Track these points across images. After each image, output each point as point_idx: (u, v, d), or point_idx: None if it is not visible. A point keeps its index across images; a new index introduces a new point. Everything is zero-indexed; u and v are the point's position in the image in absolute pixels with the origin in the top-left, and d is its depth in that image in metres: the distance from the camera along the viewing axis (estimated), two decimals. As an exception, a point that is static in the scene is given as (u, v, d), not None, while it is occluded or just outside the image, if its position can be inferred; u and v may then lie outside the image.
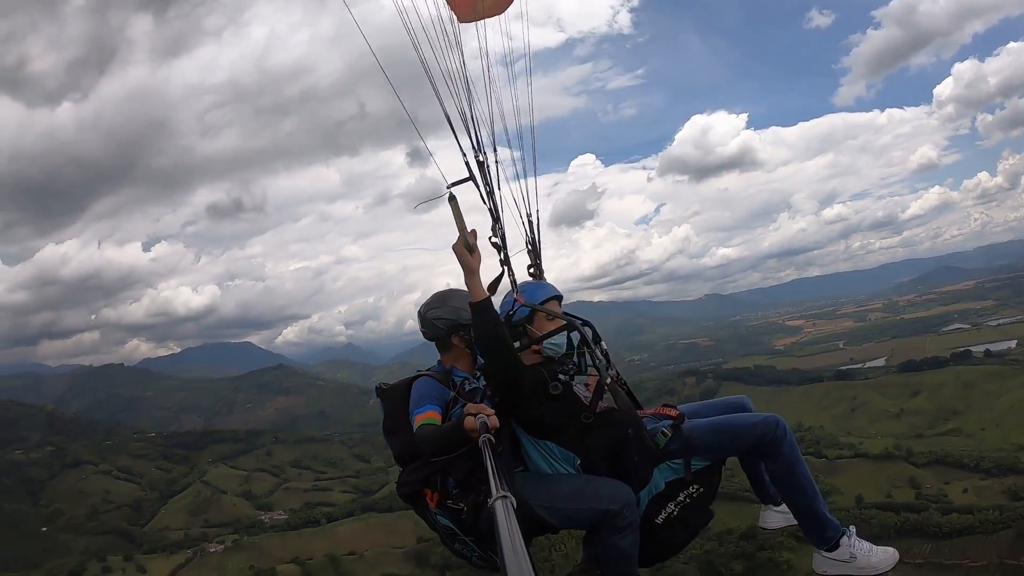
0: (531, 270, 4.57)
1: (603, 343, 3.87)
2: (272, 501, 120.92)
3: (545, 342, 3.71)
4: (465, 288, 3.45)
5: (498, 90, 4.29)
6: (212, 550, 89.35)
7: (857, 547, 3.52)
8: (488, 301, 3.34)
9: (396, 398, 3.69)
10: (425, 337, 3.91)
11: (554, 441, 3.59)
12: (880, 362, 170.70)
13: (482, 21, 4.38)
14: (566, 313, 3.84)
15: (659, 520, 3.57)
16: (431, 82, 3.84)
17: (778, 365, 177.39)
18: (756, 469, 3.97)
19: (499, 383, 3.49)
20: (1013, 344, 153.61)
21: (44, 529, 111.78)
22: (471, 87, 4.02)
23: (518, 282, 4.23)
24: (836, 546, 3.54)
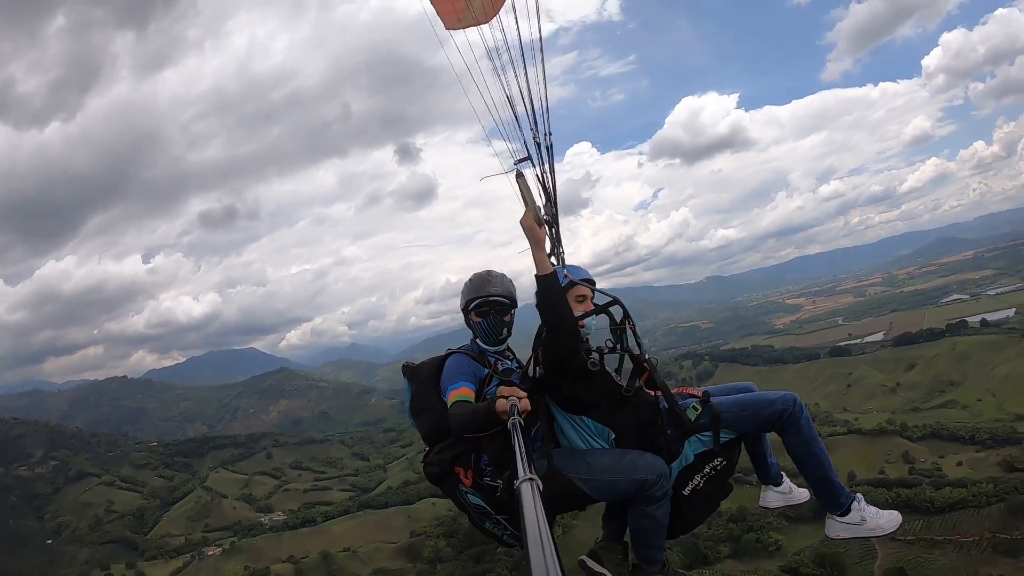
0: (550, 257, 4.72)
1: (631, 320, 4.00)
2: (272, 503, 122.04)
3: (585, 321, 3.84)
4: (485, 270, 3.95)
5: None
6: (210, 553, 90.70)
7: (866, 511, 3.90)
8: (555, 274, 3.48)
9: (424, 376, 3.76)
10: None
11: (589, 416, 3.75)
12: (878, 337, 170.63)
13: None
14: (601, 291, 4.09)
15: (686, 492, 3.82)
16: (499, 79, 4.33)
17: (776, 344, 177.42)
18: (759, 449, 4.21)
19: (557, 357, 3.60)
20: (1011, 312, 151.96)
21: (49, 542, 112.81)
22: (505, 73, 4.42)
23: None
24: (848, 511, 3.90)
